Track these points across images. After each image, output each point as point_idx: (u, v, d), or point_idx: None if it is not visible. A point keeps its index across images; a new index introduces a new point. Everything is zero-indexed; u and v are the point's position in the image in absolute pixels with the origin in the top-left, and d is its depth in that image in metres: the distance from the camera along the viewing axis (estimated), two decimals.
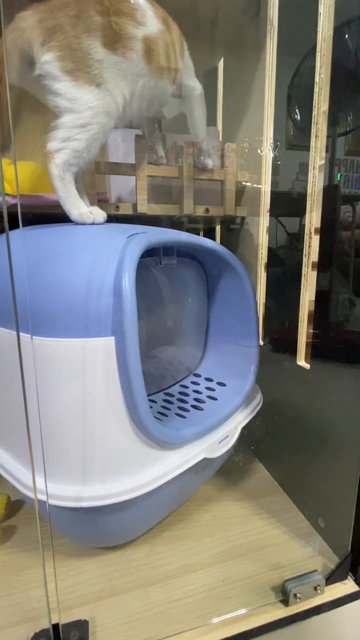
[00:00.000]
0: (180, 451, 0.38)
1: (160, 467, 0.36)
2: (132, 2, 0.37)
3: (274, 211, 0.63)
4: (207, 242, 0.46)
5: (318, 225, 0.50)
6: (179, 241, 0.43)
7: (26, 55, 0.34)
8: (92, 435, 0.33)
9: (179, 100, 0.49)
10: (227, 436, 0.44)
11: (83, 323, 0.33)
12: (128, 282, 0.33)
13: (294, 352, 0.53)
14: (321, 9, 0.46)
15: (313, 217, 0.50)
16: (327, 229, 0.51)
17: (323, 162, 0.51)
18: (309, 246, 0.51)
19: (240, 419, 0.47)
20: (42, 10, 0.35)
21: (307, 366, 0.50)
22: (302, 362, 0.51)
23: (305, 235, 0.51)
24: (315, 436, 0.48)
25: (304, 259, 0.52)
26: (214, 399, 0.48)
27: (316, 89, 0.48)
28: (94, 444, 0.34)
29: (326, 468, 0.46)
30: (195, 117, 0.50)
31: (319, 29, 0.47)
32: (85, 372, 0.33)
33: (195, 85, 0.47)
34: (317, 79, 0.47)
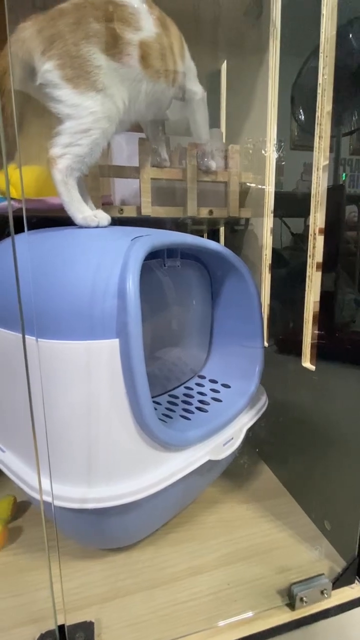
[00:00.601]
0: (184, 453, 0.38)
1: (165, 469, 0.36)
2: (128, 7, 0.38)
3: (279, 212, 0.63)
4: (210, 244, 0.46)
5: (322, 225, 0.50)
6: (183, 243, 0.43)
7: (28, 65, 0.35)
8: (97, 436, 0.34)
9: (182, 103, 0.49)
10: (232, 438, 0.44)
11: (88, 325, 0.33)
12: (132, 285, 0.33)
13: (299, 353, 0.53)
14: (324, 10, 0.46)
15: (317, 218, 0.50)
16: (333, 230, 0.51)
17: (327, 162, 0.51)
18: (314, 247, 0.51)
19: (245, 421, 0.47)
20: (41, 20, 0.35)
21: (312, 368, 0.49)
22: (307, 363, 0.51)
23: (310, 236, 0.51)
24: (321, 438, 0.48)
25: (309, 260, 0.52)
26: (219, 400, 0.48)
27: (319, 90, 0.48)
28: (98, 446, 0.34)
29: (332, 470, 0.46)
30: (197, 121, 0.50)
31: (322, 30, 0.47)
32: (90, 374, 0.33)
33: (196, 90, 0.47)
34: (320, 80, 0.47)
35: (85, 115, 0.37)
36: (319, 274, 0.51)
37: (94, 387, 0.33)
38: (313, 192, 0.50)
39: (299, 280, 0.54)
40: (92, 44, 0.36)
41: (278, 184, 0.64)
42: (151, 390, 0.47)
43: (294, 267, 0.60)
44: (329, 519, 0.46)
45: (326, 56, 0.46)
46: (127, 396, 0.34)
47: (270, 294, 0.62)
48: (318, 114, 0.48)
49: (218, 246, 0.47)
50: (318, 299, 0.51)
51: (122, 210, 0.55)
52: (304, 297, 0.53)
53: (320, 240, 0.50)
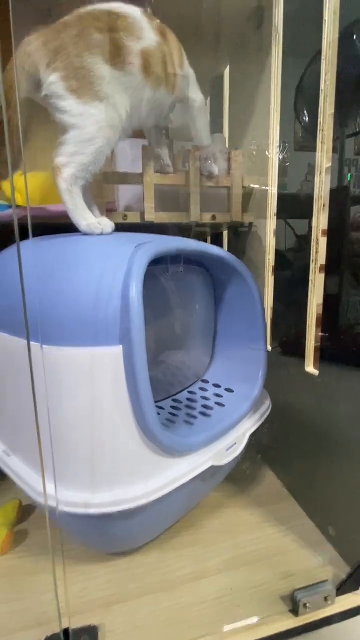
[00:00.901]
0: (187, 459, 0.38)
1: (168, 474, 0.36)
2: (129, 17, 0.38)
3: (283, 214, 0.63)
4: (213, 249, 0.46)
5: (325, 227, 0.50)
6: (186, 249, 0.43)
7: (33, 77, 0.36)
8: (101, 442, 0.34)
9: (184, 109, 0.50)
10: (235, 443, 0.44)
11: (92, 332, 0.33)
12: (135, 292, 0.33)
13: (302, 356, 0.53)
14: (326, 15, 0.46)
15: (320, 220, 0.50)
16: (337, 231, 0.51)
17: (329, 164, 0.51)
18: (317, 251, 0.51)
19: (249, 426, 0.47)
20: (46, 34, 0.36)
21: (316, 372, 0.49)
22: (310, 368, 0.51)
23: (312, 238, 0.51)
24: (325, 443, 0.48)
25: (312, 265, 0.52)
26: (222, 405, 0.48)
27: (322, 96, 0.48)
28: (102, 452, 0.34)
29: (336, 476, 0.46)
30: (198, 127, 0.51)
31: (324, 35, 0.47)
32: (93, 380, 0.33)
33: (195, 97, 0.47)
34: (322, 86, 0.47)
35: (90, 125, 0.38)
36: (322, 277, 0.51)
37: (97, 393, 0.33)
38: (316, 195, 0.50)
39: (304, 283, 0.54)
40: (95, 55, 0.37)
41: (282, 185, 0.64)
42: (155, 395, 0.47)
43: (299, 270, 0.60)
44: (333, 525, 0.46)
45: (328, 63, 0.46)
46: (131, 402, 0.34)
47: (275, 296, 0.62)
48: (320, 120, 0.48)
49: (220, 251, 0.47)
50: (321, 301, 0.51)
51: (126, 216, 0.56)
52: (307, 299, 0.53)
53: (323, 243, 0.50)
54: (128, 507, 0.34)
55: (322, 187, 0.50)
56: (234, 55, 0.68)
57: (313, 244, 0.50)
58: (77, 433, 0.34)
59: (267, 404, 0.53)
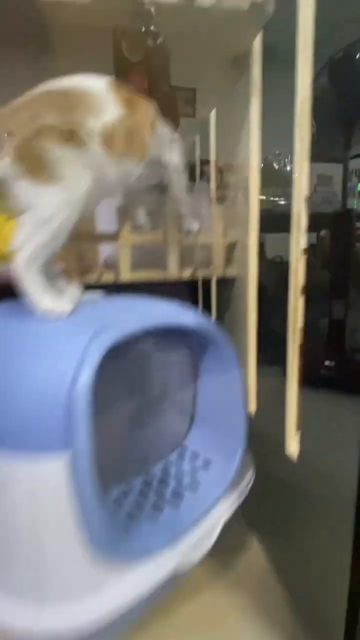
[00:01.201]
0: (146, 565, 0.35)
1: (122, 586, 0.33)
2: (89, 93, 0.37)
3: (287, 226, 0.60)
4: (186, 320, 0.44)
5: (306, 246, 0.47)
6: (153, 326, 0.41)
7: None
8: (44, 557, 0.31)
9: (161, 169, 0.47)
10: (205, 536, 0.40)
11: (35, 436, 0.31)
12: (83, 393, 0.31)
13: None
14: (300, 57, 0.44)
15: (300, 239, 0.47)
16: (343, 253, 0.47)
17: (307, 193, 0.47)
18: (297, 273, 0.47)
19: (224, 510, 0.44)
20: None
21: (296, 453, 0.45)
22: (292, 447, 0.47)
23: (291, 258, 0.47)
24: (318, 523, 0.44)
25: (291, 298, 0.47)
26: (195, 487, 0.45)
27: (295, 126, 0.44)
28: (47, 567, 0.31)
29: (318, 571, 0.42)
30: (176, 187, 0.48)
31: (298, 72, 0.45)
32: (36, 489, 0.31)
33: (170, 160, 0.45)
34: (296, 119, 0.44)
35: (46, 205, 0.36)
36: (303, 300, 0.47)
37: (40, 504, 0.31)
38: (294, 212, 0.47)
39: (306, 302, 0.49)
40: (50, 136, 0.35)
41: (289, 195, 0.62)
42: (127, 473, 0.44)
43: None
44: (315, 619, 0.42)
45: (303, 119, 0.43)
46: (77, 512, 0.31)
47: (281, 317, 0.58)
48: (296, 146, 0.45)
49: (194, 321, 0.44)
50: (302, 326, 0.47)
51: (101, 274, 0.54)
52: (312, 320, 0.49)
53: (302, 263, 0.47)
54: (76, 626, 0.31)
55: (300, 199, 0.47)
56: (219, 98, 0.66)
57: (292, 264, 0.47)
58: (18, 545, 0.31)
59: (248, 478, 0.49)
